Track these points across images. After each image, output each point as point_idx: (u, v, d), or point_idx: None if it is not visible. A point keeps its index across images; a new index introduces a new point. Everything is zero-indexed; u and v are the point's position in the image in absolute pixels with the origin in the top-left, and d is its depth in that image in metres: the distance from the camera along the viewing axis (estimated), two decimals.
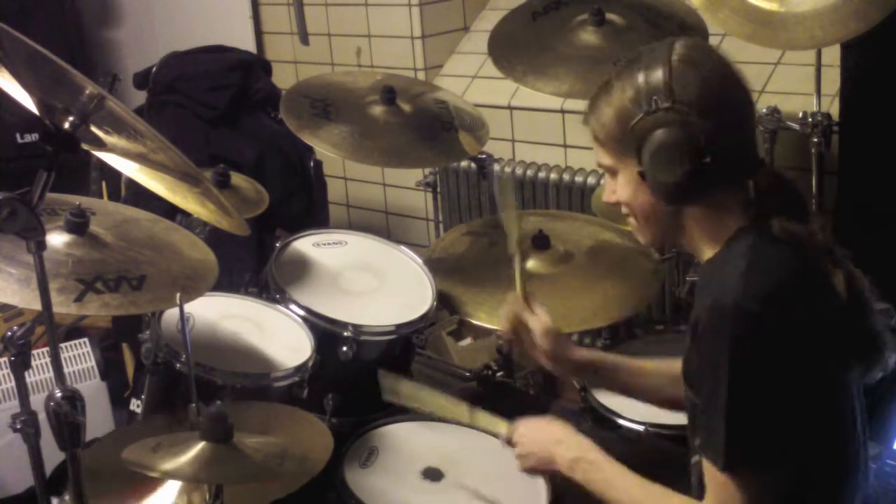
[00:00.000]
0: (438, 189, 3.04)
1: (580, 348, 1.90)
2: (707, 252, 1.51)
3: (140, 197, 2.43)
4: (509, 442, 1.81)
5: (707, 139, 1.43)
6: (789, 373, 1.38)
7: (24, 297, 1.71)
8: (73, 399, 1.50)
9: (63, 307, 1.70)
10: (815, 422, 1.42)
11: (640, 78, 1.47)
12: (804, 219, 1.50)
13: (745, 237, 1.47)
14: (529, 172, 3.16)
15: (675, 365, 1.73)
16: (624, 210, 1.59)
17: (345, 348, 2.22)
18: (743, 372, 1.37)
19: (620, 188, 1.55)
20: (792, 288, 1.41)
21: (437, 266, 2.49)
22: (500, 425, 1.86)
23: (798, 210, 1.51)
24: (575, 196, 3.06)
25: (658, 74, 1.46)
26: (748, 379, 1.37)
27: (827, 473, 1.46)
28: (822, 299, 1.43)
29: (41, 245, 1.46)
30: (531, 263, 2.43)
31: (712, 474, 1.41)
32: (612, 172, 1.56)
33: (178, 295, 1.77)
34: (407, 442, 2.08)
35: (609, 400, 2.20)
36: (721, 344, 1.38)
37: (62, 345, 2.92)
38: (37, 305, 1.65)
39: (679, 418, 1.71)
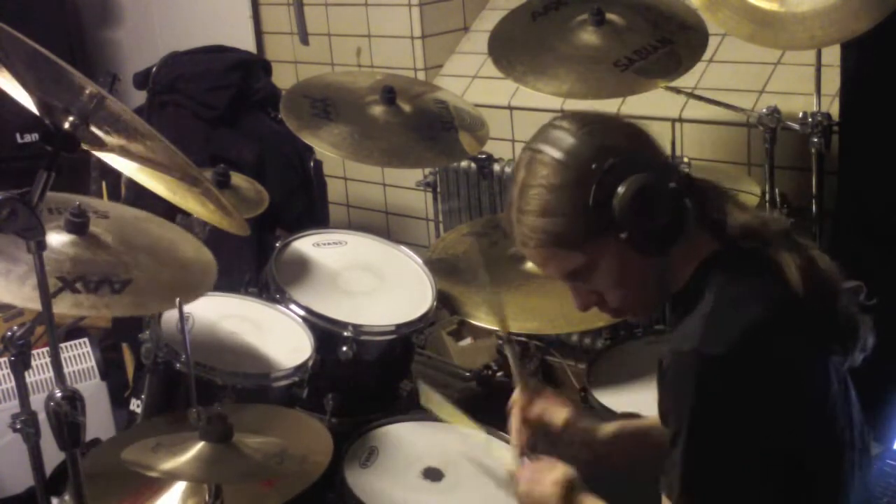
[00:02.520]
0: (438, 189, 3.04)
1: (604, 426, 1.76)
2: (677, 286, 1.47)
3: (140, 197, 2.43)
4: (512, 478, 1.72)
5: (656, 173, 1.40)
6: (758, 411, 1.35)
7: (10, 290, 1.71)
8: (73, 399, 1.50)
9: (32, 302, 1.67)
10: (788, 450, 1.38)
11: (561, 159, 1.41)
12: (742, 208, 1.48)
13: (709, 272, 1.43)
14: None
15: None
16: (613, 304, 1.50)
17: (345, 348, 2.22)
18: (704, 416, 1.34)
19: (604, 278, 1.46)
20: (755, 326, 1.36)
21: (437, 266, 2.49)
22: (510, 461, 1.77)
23: (734, 203, 1.48)
24: None
25: (576, 146, 1.41)
26: (709, 423, 1.34)
27: (812, 489, 1.43)
28: (790, 319, 1.39)
29: (41, 245, 1.46)
30: (531, 263, 2.43)
31: None
32: (588, 269, 1.46)
33: (178, 300, 1.76)
34: (407, 442, 2.08)
35: (609, 400, 2.20)
36: (684, 389, 1.35)
37: (62, 345, 2.92)
38: (27, 304, 1.67)
39: None
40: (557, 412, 1.73)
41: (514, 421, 1.75)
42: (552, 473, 1.60)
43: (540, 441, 1.76)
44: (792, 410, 1.37)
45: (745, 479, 1.36)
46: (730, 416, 1.35)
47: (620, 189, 1.38)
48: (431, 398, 1.96)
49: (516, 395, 1.77)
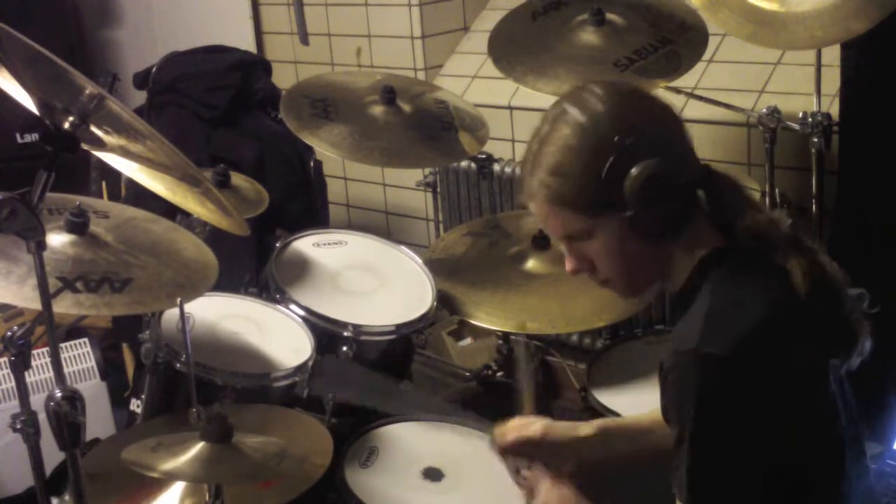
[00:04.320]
0: (438, 189, 3.04)
1: (581, 424, 1.79)
2: (678, 282, 1.47)
3: (140, 197, 2.43)
4: None
5: (676, 161, 1.40)
6: (757, 414, 1.34)
7: (10, 290, 1.71)
8: (73, 399, 1.50)
9: (32, 302, 1.68)
10: (789, 450, 1.37)
11: (585, 124, 1.40)
12: (758, 209, 1.47)
13: (710, 269, 1.42)
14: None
15: None
16: (603, 275, 1.49)
17: (345, 348, 2.22)
18: (708, 417, 1.33)
19: (598, 248, 1.45)
20: (756, 325, 1.36)
21: (437, 266, 2.49)
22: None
23: (749, 201, 1.48)
24: None
25: (603, 114, 1.40)
26: (713, 425, 1.34)
27: (813, 488, 1.42)
28: (789, 321, 1.39)
29: (41, 245, 1.46)
30: (531, 263, 2.43)
31: None
32: (586, 235, 1.45)
33: (179, 300, 1.76)
34: (407, 442, 2.08)
35: (609, 400, 2.20)
36: (686, 390, 1.34)
37: (62, 345, 2.92)
38: (27, 304, 1.66)
39: None
40: (530, 428, 1.75)
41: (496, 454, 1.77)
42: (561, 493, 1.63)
43: (533, 457, 1.76)
44: (792, 410, 1.37)
45: (749, 479, 1.36)
46: (732, 415, 1.34)
47: (634, 170, 1.37)
48: None
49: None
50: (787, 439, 1.37)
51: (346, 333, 2.23)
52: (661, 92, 2.41)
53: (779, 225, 1.45)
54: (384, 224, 3.76)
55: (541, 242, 2.44)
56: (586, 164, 1.40)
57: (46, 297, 1.49)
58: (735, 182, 1.50)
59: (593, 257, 1.48)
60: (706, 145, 2.84)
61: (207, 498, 1.71)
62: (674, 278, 1.49)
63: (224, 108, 3.30)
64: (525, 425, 1.77)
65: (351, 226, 3.68)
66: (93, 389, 2.90)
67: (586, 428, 1.77)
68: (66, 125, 1.53)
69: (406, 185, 3.54)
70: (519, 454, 1.76)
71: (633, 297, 1.57)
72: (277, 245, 2.48)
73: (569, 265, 1.52)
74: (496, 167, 3.04)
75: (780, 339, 1.38)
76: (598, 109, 1.41)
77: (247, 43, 3.88)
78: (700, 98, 2.58)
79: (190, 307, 1.86)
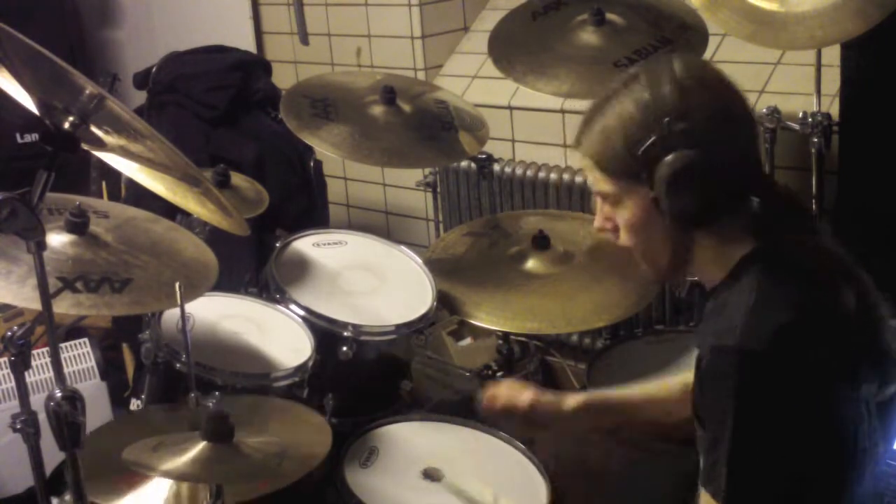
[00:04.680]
0: (438, 189, 3.04)
1: (567, 397, 1.84)
2: (716, 277, 1.47)
3: (140, 197, 2.43)
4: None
5: (722, 159, 1.39)
6: (796, 414, 1.34)
7: (10, 290, 1.71)
8: (73, 399, 1.50)
9: (32, 302, 1.68)
10: (821, 461, 1.37)
11: (647, 97, 1.41)
12: (814, 231, 1.48)
13: (751, 266, 1.42)
14: (529, 172, 3.16)
15: (666, 387, 1.70)
16: (624, 241, 1.51)
17: (345, 348, 2.21)
18: (747, 415, 1.33)
19: (625, 216, 1.48)
20: (799, 324, 1.36)
21: (437, 266, 2.49)
22: None
23: (807, 224, 1.49)
24: (575, 196, 3.06)
25: (666, 94, 1.40)
26: (753, 422, 1.34)
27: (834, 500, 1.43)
28: (833, 328, 1.38)
29: (41, 245, 1.46)
30: (531, 263, 2.43)
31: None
32: (615, 200, 1.48)
33: (178, 284, 1.76)
34: (407, 442, 2.08)
35: None
36: (725, 386, 1.34)
37: (62, 345, 2.92)
38: (27, 304, 1.66)
39: None
40: (519, 397, 1.83)
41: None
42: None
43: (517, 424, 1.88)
44: (825, 414, 1.36)
45: (787, 477, 1.35)
46: (772, 412, 1.34)
47: (669, 157, 1.38)
48: None
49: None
50: (818, 442, 1.36)
51: (346, 333, 2.23)
52: None
53: (831, 249, 1.45)
54: (384, 224, 3.76)
55: (541, 242, 2.44)
56: (629, 137, 1.42)
57: (46, 297, 1.49)
58: (795, 204, 1.50)
59: (619, 223, 1.51)
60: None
61: (208, 498, 1.71)
62: (704, 272, 1.49)
63: (224, 108, 3.30)
64: (514, 393, 1.83)
65: (351, 226, 3.68)
66: (93, 389, 2.90)
67: (570, 402, 1.81)
68: (66, 125, 1.53)
69: (406, 185, 3.54)
70: (504, 418, 1.86)
71: (656, 278, 1.57)
72: (277, 245, 2.48)
73: (596, 221, 1.55)
74: (496, 167, 3.04)
75: (818, 341, 1.37)
76: (664, 87, 1.41)
77: (247, 43, 3.88)
78: None
79: (190, 307, 1.86)
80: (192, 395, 1.81)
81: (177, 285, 1.75)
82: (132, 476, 1.80)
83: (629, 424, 1.82)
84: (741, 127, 1.45)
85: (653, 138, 1.39)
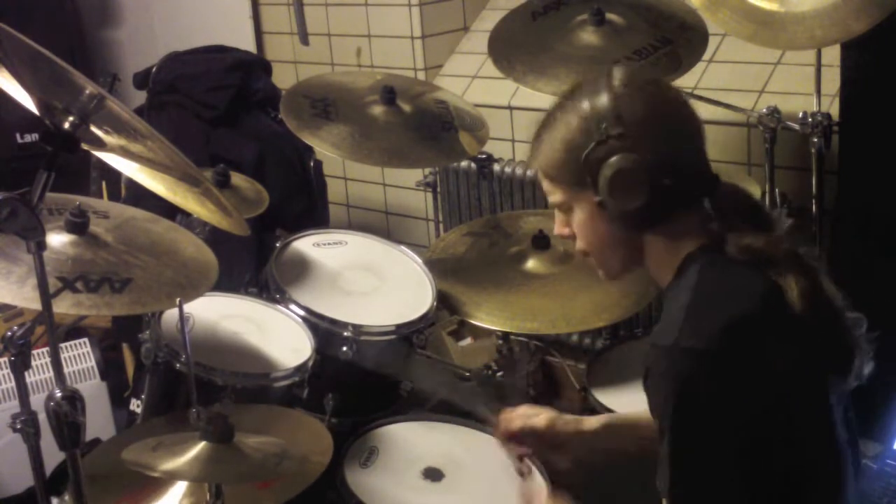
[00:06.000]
0: (438, 189, 3.04)
1: (586, 419, 1.82)
2: (667, 277, 1.49)
3: (140, 197, 2.43)
4: None
5: (662, 161, 1.42)
6: (736, 409, 1.34)
7: (10, 290, 1.71)
8: (73, 399, 1.50)
9: (32, 302, 1.69)
10: (773, 452, 1.37)
11: (586, 107, 1.45)
12: (766, 228, 1.47)
13: (693, 264, 1.44)
14: (529, 172, 3.16)
15: None
16: (579, 245, 1.55)
17: (345, 348, 2.22)
18: (686, 411, 1.34)
19: (576, 222, 1.52)
20: (738, 319, 1.36)
21: (437, 266, 2.49)
22: None
23: (758, 220, 1.48)
24: None
25: (603, 101, 1.44)
26: (692, 418, 1.34)
27: (799, 494, 1.41)
28: (774, 322, 1.39)
29: (41, 245, 1.46)
30: (531, 263, 2.43)
31: None
32: (567, 207, 1.53)
33: (178, 300, 1.76)
34: (407, 442, 2.08)
35: (609, 400, 2.20)
36: (666, 383, 1.35)
37: (62, 345, 2.92)
38: (27, 304, 1.66)
39: None
40: (536, 419, 1.80)
41: (499, 440, 1.84)
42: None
43: (535, 447, 1.83)
44: (776, 410, 1.36)
45: (729, 475, 1.36)
46: (711, 409, 1.34)
47: (610, 160, 1.42)
48: None
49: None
50: (771, 439, 1.36)
51: (346, 333, 2.23)
52: None
53: (778, 245, 1.45)
54: (384, 224, 3.76)
55: (541, 242, 2.44)
56: (572, 145, 1.46)
57: (46, 297, 1.49)
58: (743, 198, 1.51)
59: (573, 227, 1.55)
60: (706, 145, 2.84)
61: (207, 498, 1.71)
62: (657, 273, 1.51)
63: (224, 108, 3.30)
64: (531, 415, 1.81)
65: (351, 226, 3.68)
66: (93, 389, 2.90)
67: (591, 422, 1.79)
68: (66, 125, 1.53)
69: (406, 185, 3.55)
70: (521, 443, 1.80)
71: (607, 277, 1.59)
72: (277, 245, 2.48)
73: (556, 228, 1.60)
74: (496, 167, 3.04)
75: (762, 335, 1.37)
76: (602, 94, 1.45)
77: (247, 43, 3.88)
78: (700, 98, 2.58)
79: (190, 307, 1.86)
80: (194, 410, 1.81)
81: (178, 301, 1.75)
82: (137, 494, 1.80)
83: (644, 443, 1.78)
84: (682, 130, 1.48)
85: (592, 144, 1.43)
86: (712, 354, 1.34)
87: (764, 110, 2.43)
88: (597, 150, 1.43)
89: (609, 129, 1.42)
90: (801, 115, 2.43)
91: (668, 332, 1.37)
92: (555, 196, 1.54)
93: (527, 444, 1.82)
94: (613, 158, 1.42)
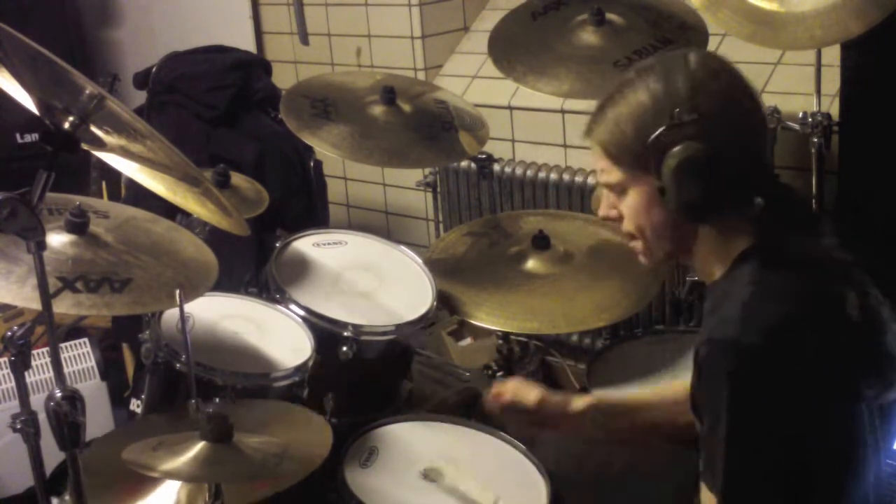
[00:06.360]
0: (438, 189, 3.04)
1: (575, 398, 1.85)
2: (716, 272, 1.48)
3: (140, 197, 2.43)
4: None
5: (730, 153, 1.40)
6: (791, 407, 1.35)
7: (10, 290, 1.71)
8: (73, 399, 1.50)
9: (32, 302, 1.68)
10: (818, 454, 1.38)
11: (659, 88, 1.42)
12: (817, 234, 1.48)
13: (750, 261, 1.42)
14: (529, 172, 3.16)
15: (675, 389, 1.72)
16: (627, 227, 1.53)
17: (345, 348, 2.21)
18: (743, 406, 1.34)
19: (629, 205, 1.49)
20: (796, 318, 1.37)
21: (437, 266, 2.49)
22: None
23: (809, 223, 1.49)
24: (575, 196, 3.06)
25: (679, 85, 1.41)
26: (747, 415, 1.35)
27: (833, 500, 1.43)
28: (831, 325, 1.39)
29: (41, 245, 1.46)
30: (531, 263, 2.43)
31: (710, 499, 1.40)
32: (621, 188, 1.50)
33: (178, 291, 1.76)
34: (407, 442, 2.08)
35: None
36: (720, 379, 1.35)
37: (62, 345, 2.92)
38: (27, 304, 1.66)
39: None
40: (528, 393, 1.84)
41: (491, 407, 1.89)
42: None
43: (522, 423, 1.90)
44: (821, 410, 1.37)
45: (782, 470, 1.36)
46: (767, 405, 1.34)
47: (676, 148, 1.39)
48: None
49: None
50: (813, 436, 1.37)
51: (346, 333, 2.23)
52: None
53: (831, 255, 1.45)
54: (384, 224, 3.76)
55: (541, 242, 2.44)
56: (639, 127, 1.43)
57: (46, 297, 1.49)
58: (796, 199, 1.52)
59: (623, 211, 1.52)
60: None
61: (207, 498, 1.71)
62: (704, 266, 1.50)
63: (224, 108, 3.30)
64: (522, 390, 1.84)
65: (351, 226, 3.68)
66: (93, 389, 2.90)
67: (580, 402, 1.81)
68: (66, 125, 1.53)
69: (406, 185, 3.55)
70: (509, 417, 1.87)
71: (649, 262, 1.58)
72: (277, 245, 2.48)
73: (601, 209, 1.57)
74: (496, 167, 3.04)
75: (813, 336, 1.37)
76: (677, 77, 1.42)
77: (247, 43, 3.88)
78: None
79: (190, 307, 1.86)
80: (193, 401, 1.81)
81: (177, 293, 1.75)
82: (134, 485, 1.80)
83: (635, 427, 1.81)
84: (751, 124, 1.46)
85: (662, 128, 1.40)
86: (768, 350, 1.34)
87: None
88: (666, 134, 1.39)
89: (683, 114, 1.39)
90: (801, 115, 2.43)
91: (727, 328, 1.36)
92: (610, 176, 1.50)
93: (514, 420, 1.88)
94: (682, 145, 1.39)
